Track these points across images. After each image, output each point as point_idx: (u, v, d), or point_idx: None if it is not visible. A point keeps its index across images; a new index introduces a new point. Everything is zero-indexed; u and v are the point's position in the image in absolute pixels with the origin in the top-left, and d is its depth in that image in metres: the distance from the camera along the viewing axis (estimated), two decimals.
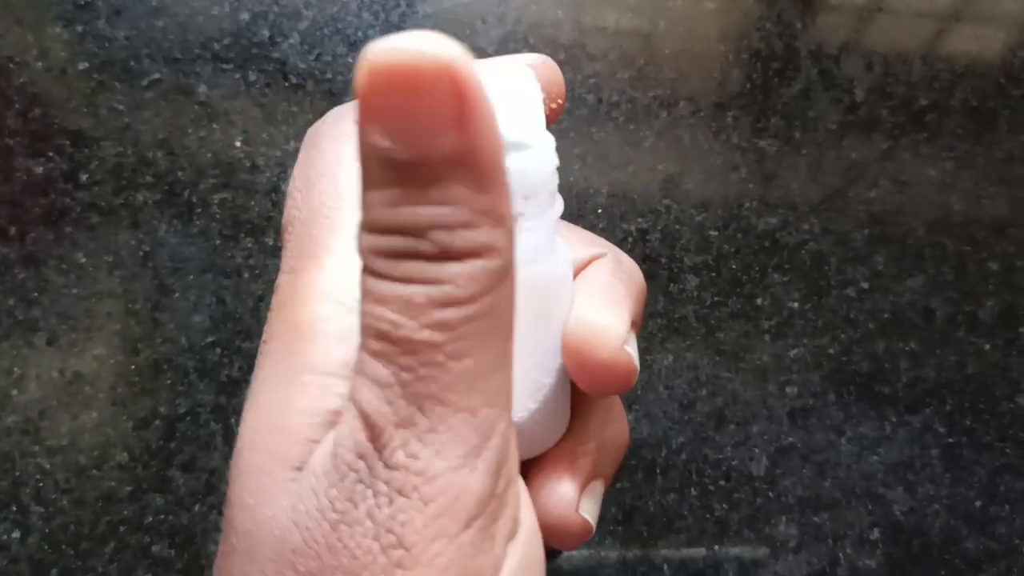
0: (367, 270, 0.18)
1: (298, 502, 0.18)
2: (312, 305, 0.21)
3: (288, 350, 0.21)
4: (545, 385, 0.25)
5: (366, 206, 0.18)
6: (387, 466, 0.17)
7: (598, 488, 0.27)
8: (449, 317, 0.17)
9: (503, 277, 0.18)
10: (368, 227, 0.18)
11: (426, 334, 0.17)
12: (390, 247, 0.17)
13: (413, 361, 0.17)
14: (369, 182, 0.18)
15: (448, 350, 0.17)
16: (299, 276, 0.22)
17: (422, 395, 0.17)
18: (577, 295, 0.25)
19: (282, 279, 0.22)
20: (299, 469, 0.19)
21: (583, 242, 0.27)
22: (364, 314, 0.18)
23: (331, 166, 0.23)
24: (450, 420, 0.18)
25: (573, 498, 0.26)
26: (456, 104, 0.16)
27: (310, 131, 0.25)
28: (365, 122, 0.17)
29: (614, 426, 0.28)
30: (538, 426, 0.25)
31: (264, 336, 0.22)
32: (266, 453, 0.19)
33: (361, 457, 0.18)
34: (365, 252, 0.18)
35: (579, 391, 0.26)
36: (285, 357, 0.21)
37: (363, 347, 0.18)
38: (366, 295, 0.18)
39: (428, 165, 0.17)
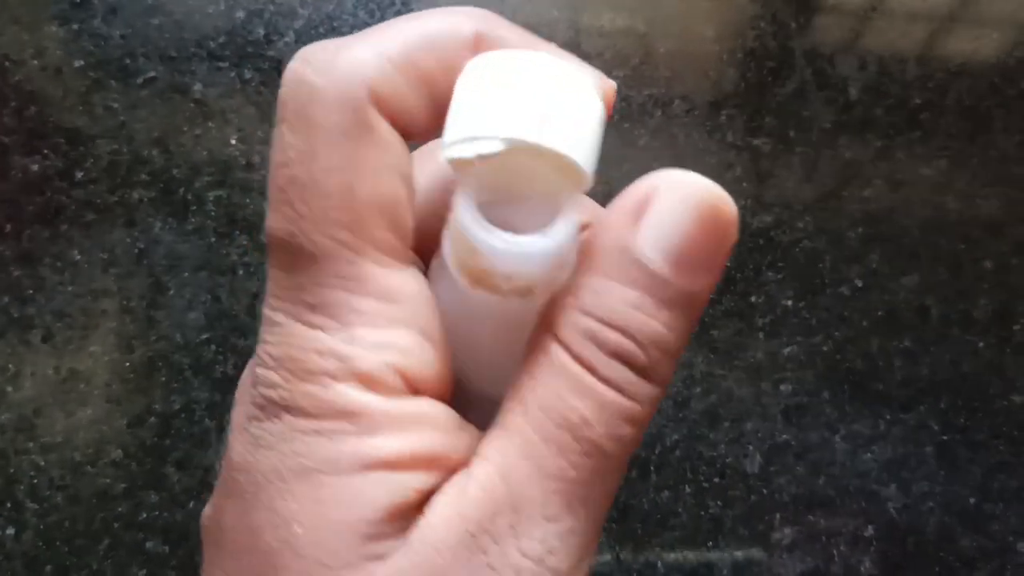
0: (572, 352, 0.18)
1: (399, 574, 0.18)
2: (351, 392, 0.18)
3: (339, 442, 0.19)
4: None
5: (601, 291, 0.18)
6: (523, 554, 0.17)
7: None
8: (627, 434, 0.18)
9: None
10: (594, 313, 0.18)
11: (608, 444, 0.18)
12: (613, 343, 0.18)
13: (587, 462, 0.18)
14: (616, 274, 0.18)
15: (614, 464, 0.18)
16: (316, 339, 0.19)
17: (579, 497, 0.18)
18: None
19: (280, 319, 0.19)
20: (383, 560, 0.18)
21: None
22: (557, 396, 0.18)
23: (335, 183, 0.18)
24: (584, 525, 0.18)
25: None
26: (726, 256, 0.18)
27: (284, 97, 0.19)
28: (642, 237, 0.18)
29: None
30: None
31: (270, 391, 0.19)
32: (346, 547, 0.18)
33: (496, 539, 0.17)
34: (579, 335, 0.18)
35: None
36: (339, 449, 0.19)
37: (531, 421, 0.18)
38: (560, 375, 0.18)
39: (682, 291, 0.18)
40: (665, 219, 0.18)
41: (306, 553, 0.18)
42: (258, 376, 0.19)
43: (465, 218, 0.18)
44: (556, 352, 0.18)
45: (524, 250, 0.18)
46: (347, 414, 0.18)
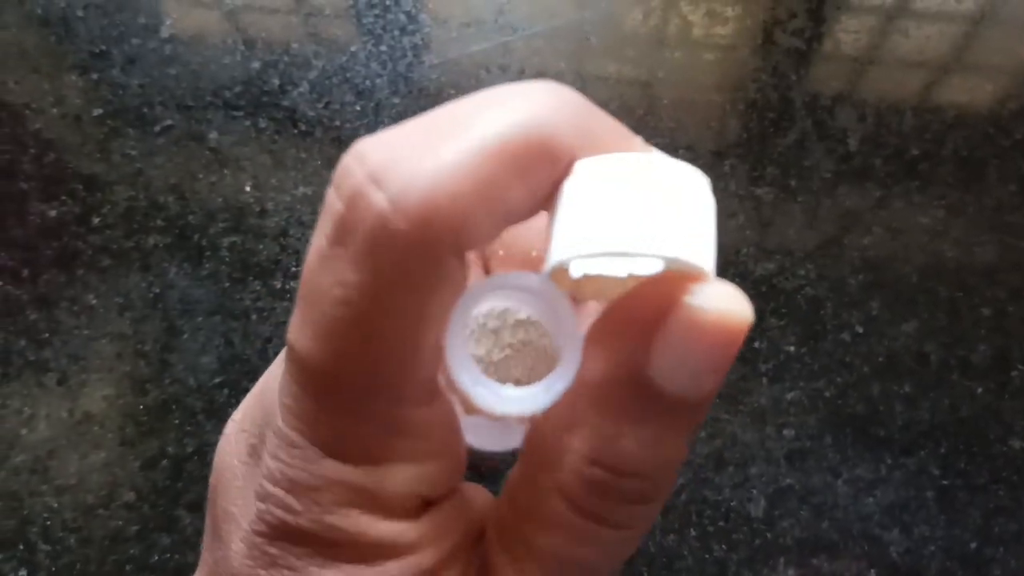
0: (583, 510, 0.17)
1: None
2: (382, 524, 0.18)
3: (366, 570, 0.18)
4: None
5: (612, 435, 0.16)
6: None
7: None
8: (627, 553, 0.19)
9: None
10: (606, 463, 0.17)
11: (613, 568, 0.18)
12: (626, 490, 0.17)
13: None
14: (630, 414, 0.16)
15: None
16: (352, 473, 0.17)
17: None
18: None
19: (300, 442, 0.17)
20: None
21: None
22: (556, 545, 0.18)
23: (367, 309, 0.16)
24: None
25: None
26: (735, 356, 0.16)
27: (330, 190, 0.17)
28: (656, 368, 0.16)
29: None
30: None
31: (283, 513, 0.18)
32: None
33: None
34: (588, 491, 0.17)
35: None
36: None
37: (534, 562, 0.18)
38: (560, 523, 0.17)
39: (697, 407, 0.16)
40: (680, 346, 0.16)
41: None
42: (270, 494, 0.18)
43: (461, 376, 0.17)
44: (560, 505, 0.17)
45: (521, 406, 0.17)
46: (377, 546, 0.17)
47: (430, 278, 0.16)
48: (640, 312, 0.16)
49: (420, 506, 0.18)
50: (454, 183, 0.15)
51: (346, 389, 0.17)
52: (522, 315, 0.19)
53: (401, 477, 0.17)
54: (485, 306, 0.18)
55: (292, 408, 0.17)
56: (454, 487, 0.19)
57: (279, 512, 0.17)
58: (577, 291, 0.19)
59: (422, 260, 0.15)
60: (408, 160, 0.16)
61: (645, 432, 0.16)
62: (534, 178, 0.16)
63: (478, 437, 0.21)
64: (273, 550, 0.17)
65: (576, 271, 0.18)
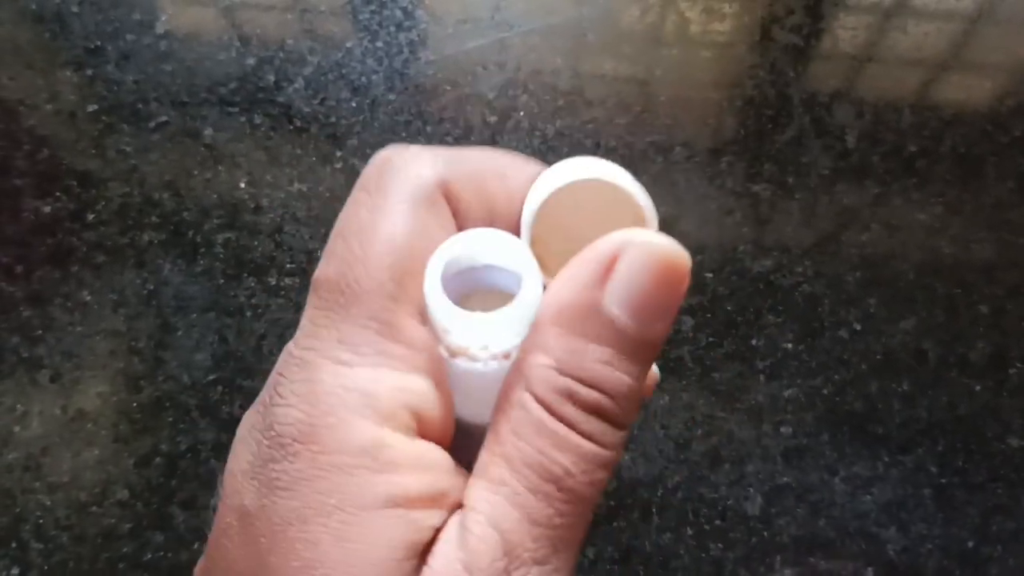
0: (554, 412, 0.19)
1: None
2: (371, 429, 0.19)
3: (361, 478, 0.19)
4: None
5: (575, 350, 0.19)
6: None
7: None
8: (602, 479, 0.19)
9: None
10: (571, 373, 0.19)
11: (587, 490, 0.19)
12: (592, 401, 0.19)
13: (570, 509, 0.19)
14: (587, 333, 0.19)
15: (590, 506, 0.19)
16: (342, 375, 0.20)
17: (563, 540, 0.19)
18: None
19: (309, 357, 0.20)
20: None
21: None
22: (536, 450, 0.19)
23: (395, 233, 0.21)
24: (567, 564, 0.19)
25: None
26: (677, 303, 0.20)
27: (368, 171, 0.22)
28: (609, 296, 0.19)
29: None
30: None
31: (290, 427, 0.20)
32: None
33: None
34: (558, 395, 0.19)
35: None
36: (360, 486, 0.19)
37: (516, 473, 0.19)
38: (543, 433, 0.19)
39: (645, 342, 0.19)
40: (630, 279, 0.19)
41: None
42: (276, 415, 0.20)
43: (433, 302, 0.20)
44: (537, 411, 0.19)
45: (494, 324, 0.20)
46: (369, 451, 0.19)
47: (421, 201, 0.21)
48: (600, 253, 0.20)
49: (415, 428, 0.20)
50: (445, 155, 0.21)
51: (350, 292, 0.20)
52: (489, 260, 0.22)
53: (393, 382, 0.20)
54: (459, 251, 0.21)
55: (304, 330, 0.20)
56: (445, 429, 0.21)
57: (283, 427, 0.20)
58: (543, 268, 0.22)
59: (415, 185, 0.21)
60: (420, 147, 0.21)
61: (603, 352, 0.19)
62: (508, 185, 0.22)
63: (459, 396, 0.22)
64: (273, 473, 0.19)
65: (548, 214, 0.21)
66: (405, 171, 0.21)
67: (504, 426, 0.20)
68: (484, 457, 0.20)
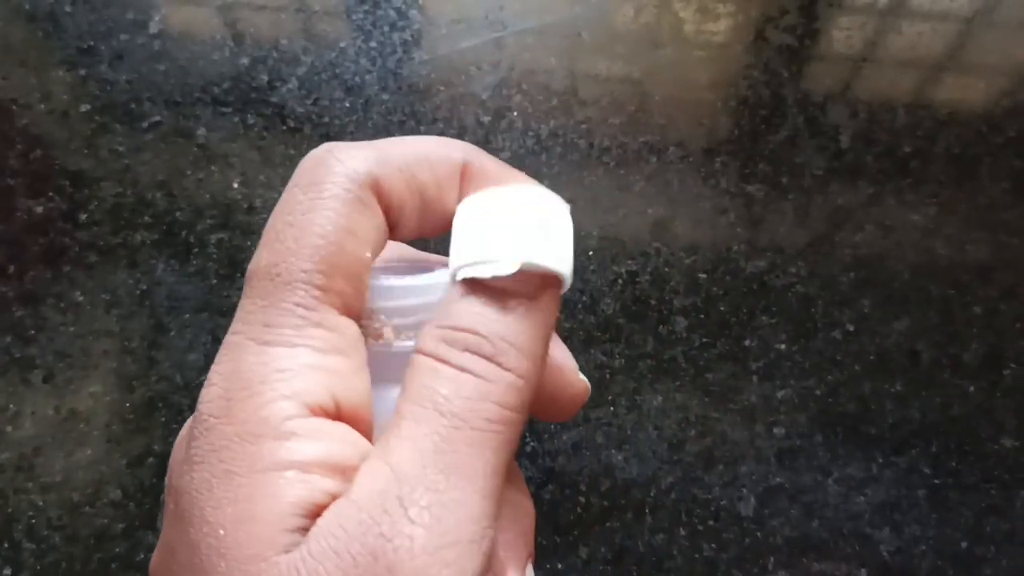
0: (430, 354, 0.21)
1: (313, 563, 0.19)
2: (279, 401, 0.20)
3: (259, 445, 0.20)
4: None
5: (451, 310, 0.22)
6: (412, 521, 0.19)
7: (530, 570, 0.27)
8: (488, 411, 0.21)
9: (526, 407, 0.22)
10: (446, 324, 0.22)
11: (472, 419, 0.20)
12: (461, 339, 0.21)
13: (455, 435, 0.20)
14: (459, 296, 0.22)
15: (487, 440, 0.20)
16: (263, 353, 0.21)
17: (455, 468, 0.20)
18: None
19: (237, 340, 0.22)
20: (290, 552, 0.19)
21: None
22: (421, 386, 0.21)
23: (325, 228, 0.22)
24: (468, 496, 0.20)
25: None
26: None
27: (301, 167, 0.23)
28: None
29: (528, 498, 0.28)
30: None
31: (209, 404, 0.21)
32: (261, 541, 0.19)
33: (387, 512, 0.19)
34: (435, 341, 0.21)
35: None
36: (258, 451, 0.20)
37: (406, 413, 0.21)
38: (424, 373, 0.21)
39: (516, 294, 0.22)
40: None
41: (228, 553, 0.19)
42: (201, 397, 0.21)
43: (374, 282, 0.23)
44: (419, 360, 0.21)
45: (407, 284, 0.24)
46: (272, 421, 0.20)
47: (350, 199, 0.22)
48: None
49: (332, 407, 0.21)
50: (376, 151, 0.23)
51: (280, 282, 0.21)
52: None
53: (311, 361, 0.21)
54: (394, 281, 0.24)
55: (237, 318, 0.22)
56: (364, 415, 0.22)
57: (203, 406, 0.21)
58: None
59: (345, 184, 0.22)
60: (353, 144, 0.23)
61: (473, 306, 0.22)
62: (435, 171, 0.24)
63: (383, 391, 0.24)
64: (192, 451, 0.21)
65: (463, 275, 0.23)
66: (336, 167, 0.23)
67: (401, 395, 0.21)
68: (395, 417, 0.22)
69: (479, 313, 0.22)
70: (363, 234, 0.22)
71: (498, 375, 0.21)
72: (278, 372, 0.21)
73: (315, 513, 0.20)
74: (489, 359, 0.21)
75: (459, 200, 0.24)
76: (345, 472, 0.20)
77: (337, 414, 0.21)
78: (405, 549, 0.18)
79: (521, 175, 0.25)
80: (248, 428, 0.20)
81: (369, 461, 0.20)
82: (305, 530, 0.19)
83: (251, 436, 0.20)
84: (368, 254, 0.22)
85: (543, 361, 0.23)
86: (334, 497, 0.20)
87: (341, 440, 0.21)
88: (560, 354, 0.26)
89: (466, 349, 0.21)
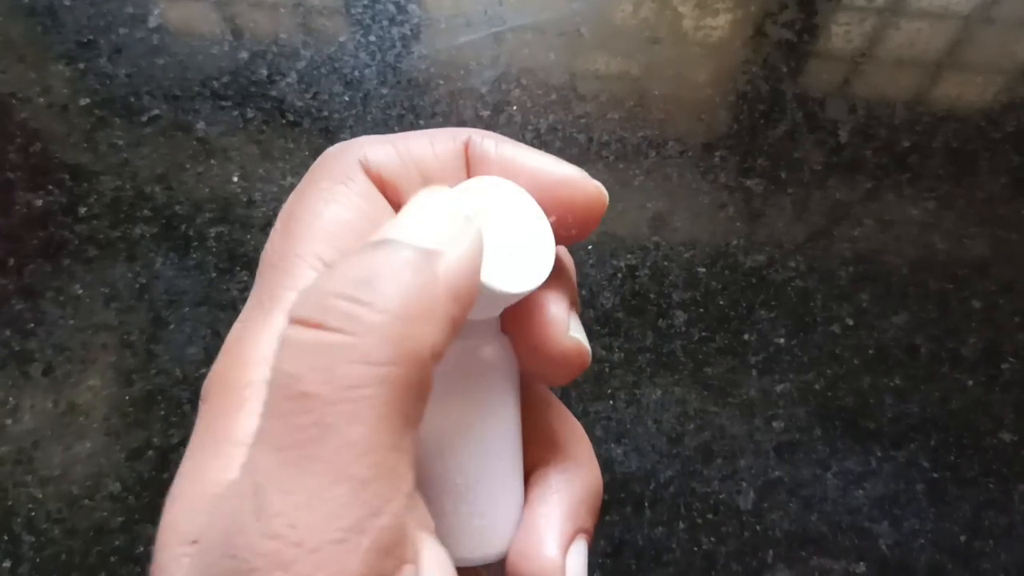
0: (291, 319, 0.18)
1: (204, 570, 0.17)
2: (250, 369, 0.20)
3: (222, 414, 0.20)
4: (486, 478, 0.24)
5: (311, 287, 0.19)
6: (267, 537, 0.16)
7: (582, 546, 0.25)
8: (347, 374, 0.17)
9: (411, 362, 0.18)
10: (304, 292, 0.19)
11: (323, 389, 0.17)
12: (317, 299, 0.18)
13: (306, 420, 0.17)
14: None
15: (341, 411, 0.17)
16: (248, 328, 0.21)
17: (309, 456, 0.16)
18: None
19: (236, 324, 0.22)
20: (195, 543, 0.18)
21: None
22: (272, 371, 0.18)
23: (310, 213, 0.23)
24: (335, 488, 0.16)
25: (557, 557, 0.24)
26: (452, 216, 0.21)
27: (314, 164, 0.24)
28: None
29: (587, 472, 0.27)
30: (487, 519, 0.24)
31: (206, 384, 0.21)
32: (171, 526, 0.19)
33: (242, 530, 0.16)
34: (293, 307, 0.18)
35: (543, 462, 0.26)
36: (218, 420, 0.20)
37: (264, 408, 0.17)
38: (280, 346, 0.18)
39: (399, 244, 0.20)
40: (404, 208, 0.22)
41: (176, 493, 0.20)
42: (207, 377, 0.22)
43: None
44: (282, 334, 0.18)
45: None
46: (253, 386, 0.20)
47: (337, 177, 0.23)
48: None
49: None
50: (376, 138, 0.24)
51: (282, 268, 0.22)
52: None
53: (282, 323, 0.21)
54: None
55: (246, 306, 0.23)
56: None
57: (209, 378, 0.22)
58: None
59: (334, 165, 0.23)
60: (365, 137, 0.25)
61: (353, 255, 0.19)
62: (435, 145, 0.25)
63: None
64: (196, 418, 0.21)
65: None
66: (329, 155, 0.24)
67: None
68: None
69: (359, 261, 0.18)
70: (346, 199, 0.23)
71: (369, 324, 0.17)
72: (271, 343, 0.21)
73: None
74: (357, 304, 0.18)
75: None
76: None
77: None
78: (259, 571, 0.16)
79: (522, 150, 0.25)
80: (230, 397, 0.20)
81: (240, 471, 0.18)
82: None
83: (223, 402, 0.20)
84: (354, 215, 0.23)
85: (460, 312, 0.20)
86: None
87: None
88: (551, 310, 0.24)
89: (335, 296, 0.18)
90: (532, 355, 0.25)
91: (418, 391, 0.18)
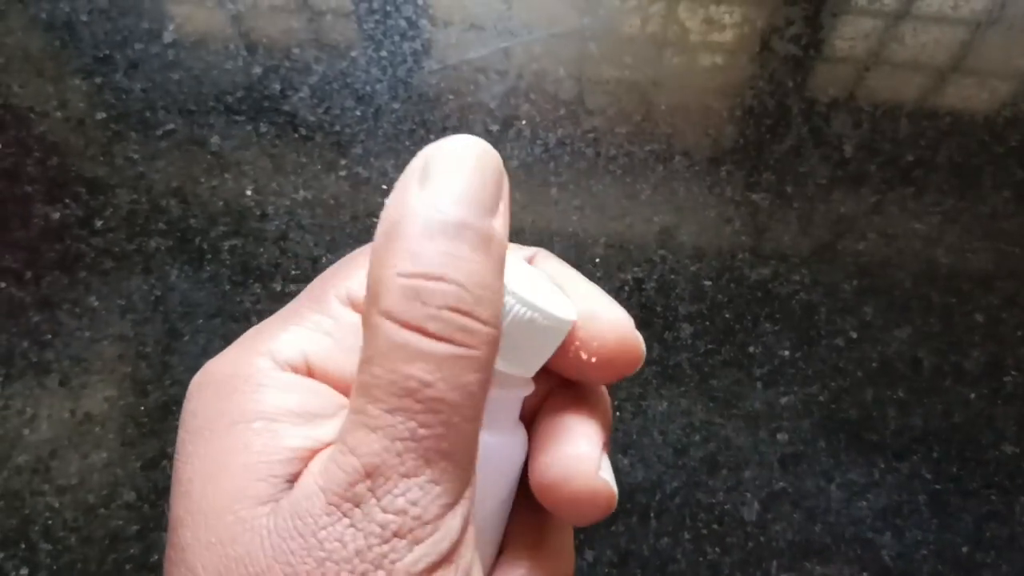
0: (399, 320, 0.19)
1: (278, 540, 0.19)
2: (259, 359, 0.22)
3: (229, 401, 0.21)
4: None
5: (412, 251, 0.19)
6: (384, 510, 0.18)
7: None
8: (470, 381, 0.19)
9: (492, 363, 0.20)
10: (412, 272, 0.19)
11: (452, 395, 0.19)
12: (438, 293, 0.19)
13: (434, 419, 0.19)
14: (421, 234, 0.19)
15: (467, 412, 0.19)
16: (263, 330, 0.24)
17: (435, 450, 0.19)
18: (548, 422, 0.25)
19: (251, 329, 0.25)
20: (266, 504, 0.19)
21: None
22: (387, 370, 0.19)
23: (361, 255, 0.25)
24: (449, 473, 0.19)
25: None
26: (500, 192, 0.20)
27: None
28: (428, 196, 0.20)
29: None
30: None
31: (198, 378, 0.23)
32: (228, 494, 0.20)
33: (356, 504, 0.19)
34: (403, 298, 0.19)
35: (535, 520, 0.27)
36: (227, 406, 0.21)
37: (372, 400, 0.19)
38: (393, 349, 0.19)
39: (479, 231, 0.20)
40: (445, 175, 0.20)
41: (195, 507, 0.20)
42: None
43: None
44: (384, 326, 0.19)
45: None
46: (242, 375, 0.22)
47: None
48: (411, 167, 0.21)
49: (301, 366, 0.22)
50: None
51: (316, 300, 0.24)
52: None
53: (295, 333, 0.23)
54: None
55: None
56: (341, 380, 0.23)
57: (210, 369, 0.23)
58: None
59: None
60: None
61: (439, 245, 0.19)
62: None
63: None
64: (182, 414, 0.22)
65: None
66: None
67: (362, 353, 0.20)
68: (352, 387, 0.20)
69: (448, 252, 0.19)
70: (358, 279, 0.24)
71: (481, 336, 0.19)
72: (268, 342, 0.22)
73: (288, 462, 0.20)
74: (470, 315, 0.19)
75: None
76: (313, 421, 0.21)
77: (308, 372, 0.22)
78: (375, 535, 0.18)
79: (577, 280, 0.26)
80: (224, 387, 0.21)
81: (339, 447, 0.19)
82: (289, 479, 0.20)
83: (226, 393, 0.21)
84: None
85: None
86: (308, 447, 0.20)
87: (306, 390, 0.22)
88: (581, 451, 0.24)
89: (443, 306, 0.19)
90: (552, 490, 0.24)
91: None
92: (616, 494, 0.24)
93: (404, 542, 0.18)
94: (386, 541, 0.18)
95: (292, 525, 0.19)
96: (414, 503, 0.19)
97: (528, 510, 0.27)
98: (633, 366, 0.25)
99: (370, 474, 0.19)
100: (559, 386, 0.27)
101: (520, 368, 0.23)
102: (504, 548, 0.27)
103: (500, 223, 0.20)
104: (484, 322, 0.19)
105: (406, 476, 0.19)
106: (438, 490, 0.19)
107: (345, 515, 0.19)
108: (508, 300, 0.22)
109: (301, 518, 0.19)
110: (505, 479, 0.25)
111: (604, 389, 0.27)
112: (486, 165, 0.20)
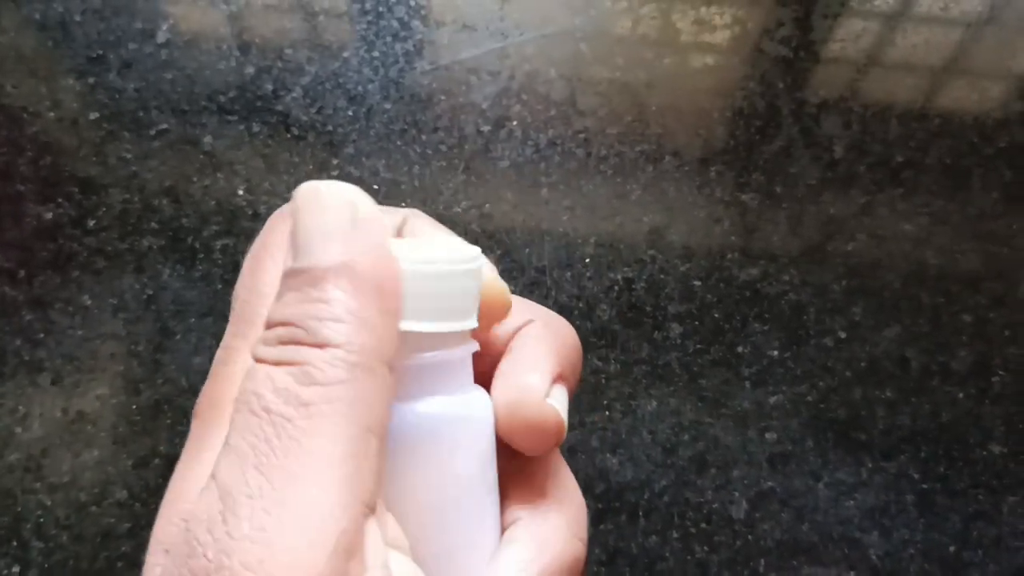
0: (254, 357, 0.20)
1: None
2: (233, 388, 0.21)
3: (205, 431, 0.22)
4: (453, 552, 0.24)
5: (274, 306, 0.21)
6: (231, 537, 0.18)
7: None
8: (305, 395, 0.19)
9: (361, 373, 0.20)
10: (266, 323, 0.21)
11: (288, 409, 0.19)
12: (281, 334, 0.20)
13: (271, 432, 0.19)
14: (282, 291, 0.21)
15: (302, 426, 0.19)
16: (230, 354, 0.23)
17: (274, 467, 0.18)
18: (501, 363, 0.26)
19: (219, 352, 0.24)
20: (167, 552, 0.19)
21: (515, 312, 0.27)
22: (241, 392, 0.20)
23: (278, 246, 0.24)
24: (300, 496, 0.18)
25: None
26: (347, 222, 0.21)
27: (277, 210, 0.26)
28: (291, 257, 0.21)
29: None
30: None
31: (197, 404, 0.23)
32: (152, 537, 0.20)
33: (210, 531, 0.18)
34: (260, 344, 0.20)
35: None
36: (200, 436, 0.22)
37: (230, 424, 0.19)
38: (246, 379, 0.20)
39: (304, 272, 0.21)
40: (295, 231, 0.21)
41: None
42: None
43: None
44: (248, 369, 0.20)
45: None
46: (224, 404, 0.22)
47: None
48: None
49: None
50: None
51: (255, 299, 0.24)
52: None
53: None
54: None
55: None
56: None
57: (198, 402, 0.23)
58: None
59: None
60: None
61: (288, 296, 0.21)
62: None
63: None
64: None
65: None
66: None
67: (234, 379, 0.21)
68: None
69: (293, 300, 0.21)
70: None
71: (317, 356, 0.20)
72: (236, 361, 0.23)
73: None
74: (306, 343, 0.20)
75: None
76: None
77: None
78: (227, 570, 0.17)
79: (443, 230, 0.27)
80: (211, 414, 0.22)
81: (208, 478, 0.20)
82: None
83: (208, 418, 0.22)
84: None
85: (388, 313, 0.21)
86: None
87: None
88: (529, 380, 0.25)
89: (284, 342, 0.20)
90: (504, 420, 0.25)
91: (375, 401, 0.20)
92: (565, 422, 0.25)
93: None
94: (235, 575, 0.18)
95: (163, 560, 0.19)
96: (261, 528, 0.18)
97: (522, 461, 0.26)
98: (504, 311, 0.26)
99: (223, 497, 0.18)
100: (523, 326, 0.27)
101: (453, 323, 0.23)
102: (506, 505, 0.26)
103: (331, 256, 0.21)
104: (329, 345, 0.20)
105: (251, 498, 0.18)
106: (289, 514, 0.18)
107: (200, 544, 0.18)
108: (404, 266, 0.22)
109: (168, 552, 0.19)
110: (474, 439, 0.24)
111: (570, 327, 0.28)
112: (313, 201, 0.22)
